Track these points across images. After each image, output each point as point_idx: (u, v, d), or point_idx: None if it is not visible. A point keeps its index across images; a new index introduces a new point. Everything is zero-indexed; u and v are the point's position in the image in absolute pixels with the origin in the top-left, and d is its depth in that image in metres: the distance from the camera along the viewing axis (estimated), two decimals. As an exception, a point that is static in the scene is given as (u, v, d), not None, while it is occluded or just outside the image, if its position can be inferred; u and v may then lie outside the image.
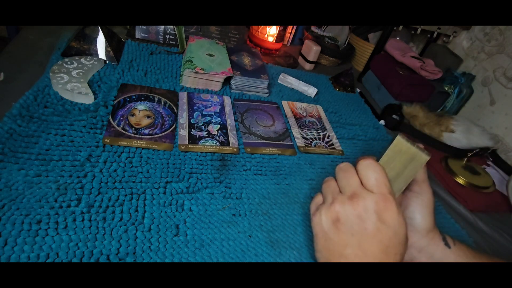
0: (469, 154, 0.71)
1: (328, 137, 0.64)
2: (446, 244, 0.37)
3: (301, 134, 0.62)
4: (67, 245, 0.33)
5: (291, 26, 0.96)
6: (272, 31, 0.84)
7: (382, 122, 0.77)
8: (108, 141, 0.45)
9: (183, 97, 0.60)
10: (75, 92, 0.49)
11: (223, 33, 0.79)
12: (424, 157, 0.33)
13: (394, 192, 0.32)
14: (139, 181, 0.42)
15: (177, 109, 0.56)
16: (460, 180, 0.65)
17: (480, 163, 0.75)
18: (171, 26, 0.72)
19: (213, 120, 0.57)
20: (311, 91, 0.76)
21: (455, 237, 0.39)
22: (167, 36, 0.74)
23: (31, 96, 0.46)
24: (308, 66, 0.89)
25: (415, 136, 0.75)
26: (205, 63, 0.63)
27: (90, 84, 0.53)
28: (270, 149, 0.55)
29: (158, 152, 0.47)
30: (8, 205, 0.34)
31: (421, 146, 0.34)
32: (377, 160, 0.34)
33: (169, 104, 0.56)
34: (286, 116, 0.65)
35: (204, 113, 0.58)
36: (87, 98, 0.50)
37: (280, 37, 0.86)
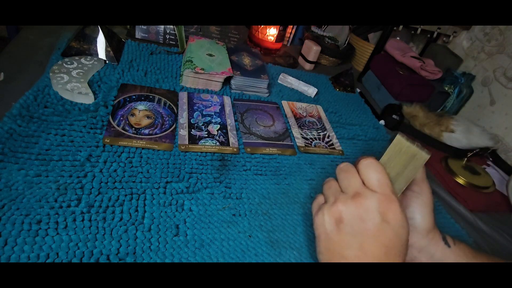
0: (469, 154, 0.71)
1: (328, 137, 0.64)
2: (446, 243, 0.37)
3: (301, 134, 0.62)
4: (67, 245, 0.33)
5: (291, 26, 0.96)
6: (272, 31, 0.84)
7: (382, 122, 0.77)
8: (108, 141, 0.45)
9: (183, 97, 0.60)
10: (75, 92, 0.49)
11: (223, 33, 0.79)
12: (425, 156, 0.33)
13: (395, 192, 0.32)
14: (139, 181, 0.42)
15: (177, 109, 0.56)
16: (460, 180, 0.65)
17: (480, 163, 0.75)
18: (171, 26, 0.72)
19: (213, 120, 0.57)
20: (311, 91, 0.76)
21: (455, 237, 0.39)
22: (167, 36, 0.74)
23: (31, 96, 0.46)
24: (308, 66, 0.89)
25: (415, 136, 0.75)
26: (205, 63, 0.63)
27: (90, 84, 0.53)
28: (270, 149, 0.55)
29: (158, 152, 0.47)
30: (8, 205, 0.34)
31: (419, 145, 0.34)
32: (377, 160, 0.34)
33: (169, 104, 0.56)
34: (286, 116, 0.65)
35: (204, 113, 0.58)
36: (87, 98, 0.50)
37: (280, 37, 0.86)
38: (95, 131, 0.46)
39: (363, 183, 0.32)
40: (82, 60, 0.56)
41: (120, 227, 0.36)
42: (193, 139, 0.51)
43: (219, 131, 0.55)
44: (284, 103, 0.69)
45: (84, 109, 0.49)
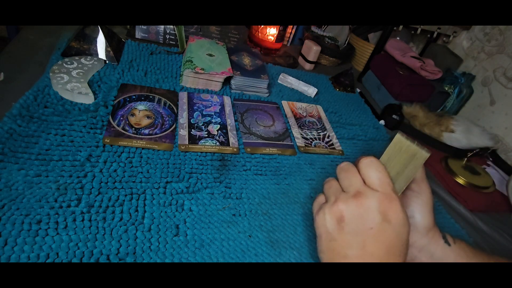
0: (469, 154, 0.71)
1: (328, 137, 0.64)
2: (446, 242, 0.37)
3: (301, 134, 0.62)
4: (67, 245, 0.33)
5: (291, 26, 0.96)
6: (272, 31, 0.84)
7: (382, 122, 0.77)
8: (108, 141, 0.45)
9: (183, 97, 0.60)
10: (75, 92, 0.49)
11: (223, 33, 0.79)
12: (425, 154, 0.33)
13: (396, 191, 0.32)
14: (139, 181, 0.42)
15: (177, 109, 0.56)
16: (460, 180, 0.65)
17: (480, 163, 0.75)
18: (171, 26, 0.72)
19: (213, 120, 0.57)
20: (311, 91, 0.76)
21: (455, 237, 0.39)
22: (167, 36, 0.74)
23: (31, 96, 0.46)
24: (308, 66, 0.89)
25: (415, 136, 0.75)
26: (205, 63, 0.63)
27: (90, 84, 0.53)
28: (270, 149, 0.55)
29: (158, 152, 0.47)
30: (8, 205, 0.34)
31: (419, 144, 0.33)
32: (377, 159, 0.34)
33: (169, 104, 0.56)
34: (286, 116, 0.65)
35: (204, 113, 0.58)
36: (87, 98, 0.50)
37: (280, 37, 0.86)
38: (95, 131, 0.46)
39: (364, 182, 0.32)
40: (82, 60, 0.56)
41: (120, 227, 0.36)
42: (193, 139, 0.51)
43: (219, 131, 0.55)
44: (284, 103, 0.69)
45: (84, 109, 0.49)
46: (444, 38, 1.07)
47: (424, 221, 0.36)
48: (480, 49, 0.94)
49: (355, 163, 0.34)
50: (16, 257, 0.30)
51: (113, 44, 0.63)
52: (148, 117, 0.52)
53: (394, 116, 0.76)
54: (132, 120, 0.50)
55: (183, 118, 0.55)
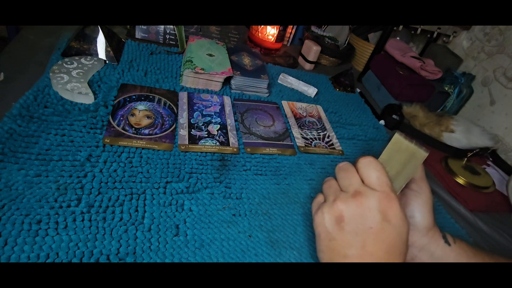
0: (469, 154, 0.71)
1: (328, 137, 0.64)
2: (446, 242, 0.37)
3: (301, 134, 0.62)
4: (67, 245, 0.33)
5: (291, 26, 0.96)
6: (272, 31, 0.84)
7: (382, 122, 0.77)
8: (108, 141, 0.45)
9: (183, 97, 0.60)
10: (75, 92, 0.49)
11: (223, 33, 0.79)
12: (423, 154, 0.33)
13: (395, 190, 0.32)
14: (139, 181, 0.42)
15: (177, 109, 0.56)
16: (460, 180, 0.65)
17: (480, 163, 0.75)
18: (171, 26, 0.72)
19: (213, 120, 0.57)
20: (311, 91, 0.76)
21: (455, 237, 0.39)
22: (167, 36, 0.74)
23: (31, 96, 0.46)
24: (308, 66, 0.89)
25: (415, 136, 0.75)
26: (205, 63, 0.63)
27: (90, 84, 0.53)
28: (270, 149, 0.55)
29: (158, 152, 0.47)
30: (8, 205, 0.34)
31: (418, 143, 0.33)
32: (376, 159, 0.34)
33: (169, 104, 0.56)
34: (286, 116, 0.65)
35: (204, 113, 0.58)
36: (87, 98, 0.50)
37: (280, 37, 0.86)
38: (95, 131, 0.46)
39: (363, 182, 0.32)
40: (82, 60, 0.56)
41: (120, 227, 0.36)
42: (193, 139, 0.51)
43: (219, 131, 0.55)
44: (284, 103, 0.69)
45: (84, 109, 0.49)
46: (444, 38, 1.07)
47: (424, 220, 0.36)
48: (480, 49, 0.94)
49: (354, 163, 0.34)
50: (16, 257, 0.30)
51: (113, 44, 0.63)
52: (148, 117, 0.52)
53: (394, 116, 0.76)
54: (132, 120, 0.50)
55: (183, 118, 0.55)
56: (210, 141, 0.52)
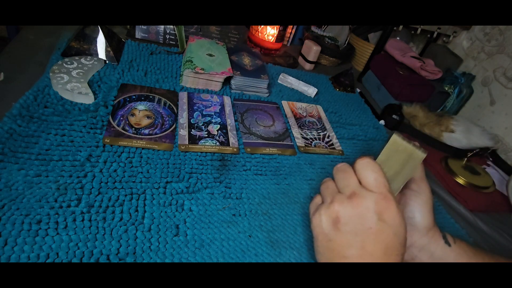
0: (469, 154, 0.71)
1: (328, 137, 0.64)
2: (446, 242, 0.37)
3: (301, 134, 0.62)
4: (67, 245, 0.33)
5: (291, 26, 0.96)
6: (272, 31, 0.84)
7: (382, 122, 0.77)
8: (108, 141, 0.45)
9: (183, 97, 0.60)
10: (75, 92, 0.49)
11: (223, 33, 0.79)
12: (421, 155, 0.33)
13: (393, 191, 0.32)
14: (139, 181, 0.42)
15: (177, 109, 0.56)
16: (460, 180, 0.65)
17: (480, 163, 0.75)
18: (171, 26, 0.72)
19: (213, 120, 0.57)
20: (311, 91, 0.76)
21: (455, 237, 0.39)
22: (167, 36, 0.74)
23: (31, 96, 0.46)
24: (308, 66, 0.89)
25: (415, 136, 0.75)
26: (205, 63, 0.63)
27: (90, 84, 0.53)
28: (270, 149, 0.55)
29: (158, 152, 0.47)
30: (8, 205, 0.34)
31: (417, 143, 0.33)
32: (375, 159, 0.34)
33: (169, 104, 0.56)
34: (286, 116, 0.65)
35: (204, 113, 0.58)
36: (87, 98, 0.50)
37: (280, 37, 0.86)
38: (95, 131, 0.46)
39: (360, 183, 0.32)
40: (82, 60, 0.56)
41: (120, 227, 0.36)
42: (193, 139, 0.51)
43: (219, 131, 0.55)
44: (284, 103, 0.69)
45: (84, 109, 0.49)
46: (444, 38, 1.07)
47: (424, 220, 0.36)
48: (480, 49, 0.94)
49: (353, 164, 0.34)
50: (16, 257, 0.30)
51: (113, 44, 0.63)
52: (148, 117, 0.52)
53: (394, 116, 0.76)
54: (132, 120, 0.50)
55: (183, 118, 0.55)
56: (210, 141, 0.52)
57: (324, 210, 0.32)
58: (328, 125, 0.67)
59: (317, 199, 0.36)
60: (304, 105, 0.71)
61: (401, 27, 0.97)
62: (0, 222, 0.32)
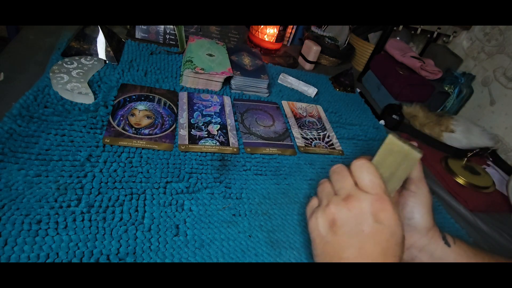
0: (469, 154, 0.71)
1: (328, 137, 0.64)
2: (446, 242, 0.37)
3: (301, 134, 0.62)
4: (67, 245, 0.33)
5: (291, 26, 0.96)
6: (271, 31, 0.84)
7: (382, 122, 0.77)
8: (108, 141, 0.45)
9: (183, 97, 0.60)
10: (75, 92, 0.49)
11: (223, 33, 0.79)
12: (417, 155, 0.32)
13: (389, 192, 0.32)
14: (139, 181, 0.42)
15: (177, 109, 0.56)
16: (460, 180, 0.65)
17: (480, 163, 0.75)
18: (171, 26, 0.72)
19: (213, 120, 0.57)
20: (311, 91, 0.76)
21: (455, 237, 0.39)
22: (167, 36, 0.74)
23: (31, 96, 0.46)
24: (308, 66, 0.89)
25: (415, 136, 0.75)
26: (205, 63, 0.63)
27: (90, 84, 0.53)
28: (270, 149, 0.55)
29: (158, 152, 0.47)
30: (8, 205, 0.34)
31: (415, 143, 0.33)
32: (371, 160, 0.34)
33: (169, 104, 0.56)
34: (286, 116, 0.65)
35: (204, 113, 0.58)
36: (87, 98, 0.50)
37: (280, 37, 0.86)
38: (95, 131, 0.46)
39: (356, 184, 0.32)
40: (82, 60, 0.56)
41: (120, 227, 0.36)
42: (193, 139, 0.51)
43: (219, 131, 0.55)
44: (284, 103, 0.69)
45: (84, 109, 0.49)
46: (444, 38, 1.07)
47: (423, 220, 0.36)
48: (480, 49, 0.94)
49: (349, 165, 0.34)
50: (16, 257, 0.30)
51: (113, 44, 0.63)
52: (148, 117, 0.52)
53: (394, 116, 0.76)
54: (132, 120, 0.50)
55: (183, 118, 0.55)
56: (210, 141, 0.52)
57: (320, 213, 0.32)
58: (328, 125, 0.67)
59: (313, 202, 0.36)
60: (304, 105, 0.71)
61: (401, 27, 0.97)
62: (0, 222, 0.32)
